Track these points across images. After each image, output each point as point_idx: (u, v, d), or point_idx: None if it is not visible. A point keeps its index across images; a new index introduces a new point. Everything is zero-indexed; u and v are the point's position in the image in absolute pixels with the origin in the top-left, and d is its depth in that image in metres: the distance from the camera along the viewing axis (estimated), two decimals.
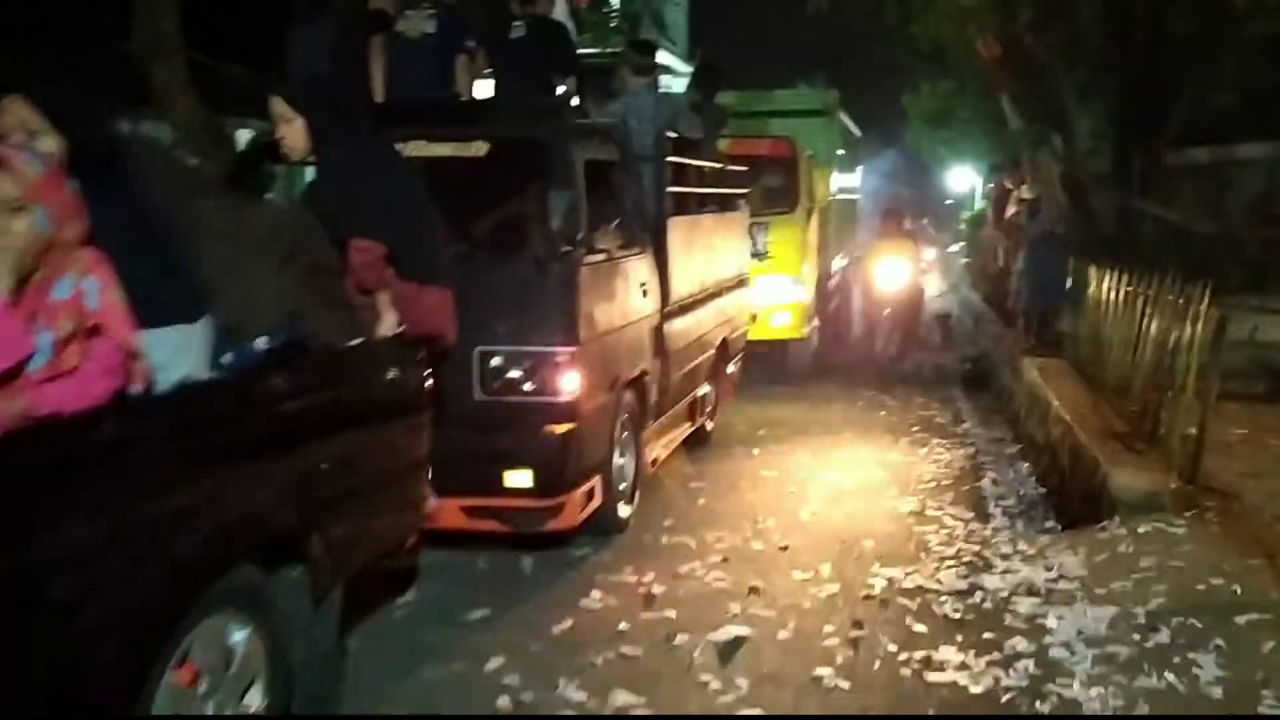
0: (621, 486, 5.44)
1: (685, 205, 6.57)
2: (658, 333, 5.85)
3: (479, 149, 4.96)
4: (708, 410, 7.42)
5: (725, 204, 7.81)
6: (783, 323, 10.22)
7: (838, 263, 12.83)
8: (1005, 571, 4.75)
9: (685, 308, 6.39)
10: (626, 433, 5.46)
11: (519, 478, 4.46)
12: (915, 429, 8.44)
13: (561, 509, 4.60)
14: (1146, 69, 13.04)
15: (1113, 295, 8.02)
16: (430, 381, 3.61)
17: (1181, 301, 6.18)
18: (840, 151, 12.17)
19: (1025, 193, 10.69)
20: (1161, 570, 4.45)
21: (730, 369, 8.08)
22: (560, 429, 4.57)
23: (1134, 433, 6.34)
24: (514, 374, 4.55)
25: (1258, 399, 7.68)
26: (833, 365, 11.46)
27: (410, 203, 3.81)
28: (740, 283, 8.29)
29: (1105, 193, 11.66)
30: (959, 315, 15.79)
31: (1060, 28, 10.73)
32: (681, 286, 6.28)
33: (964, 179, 35.64)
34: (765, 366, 10.89)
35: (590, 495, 4.91)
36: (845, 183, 13.78)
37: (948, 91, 17.30)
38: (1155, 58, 12.99)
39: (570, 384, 4.59)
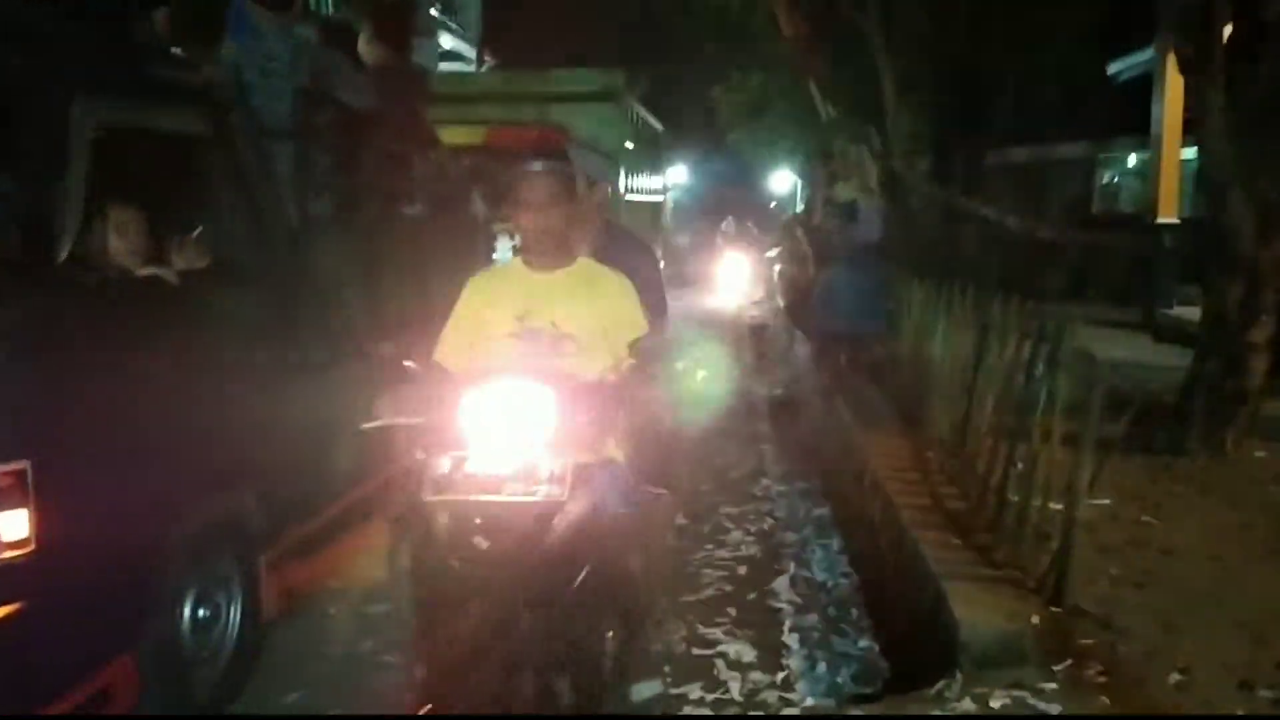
0: (209, 655, 3.40)
1: (356, 206, 4.58)
2: (292, 397, 3.84)
3: None
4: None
5: (445, 205, 5.85)
6: None
7: None
8: None
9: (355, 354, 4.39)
10: (224, 566, 3.42)
11: None
12: (704, 488, 6.67)
13: None
14: (967, 60, 11.85)
15: (941, 317, 6.49)
16: None
17: (1032, 334, 4.61)
18: (629, 144, 10.40)
19: (840, 193, 9.12)
20: None
21: None
22: None
23: (974, 514, 4.71)
24: None
25: (1111, 445, 6.22)
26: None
27: None
28: None
29: (926, 193, 10.31)
30: (774, 329, 14.31)
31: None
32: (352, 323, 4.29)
33: (786, 180, 34.82)
34: None
35: (100, 699, 2.84)
36: (644, 181, 12.05)
37: (760, 82, 15.82)
38: (975, 49, 11.82)
39: (17, 528, 2.52)
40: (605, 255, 3.30)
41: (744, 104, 16.93)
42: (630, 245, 3.87)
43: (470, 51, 18.59)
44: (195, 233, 3.44)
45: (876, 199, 8.32)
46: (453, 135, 8.30)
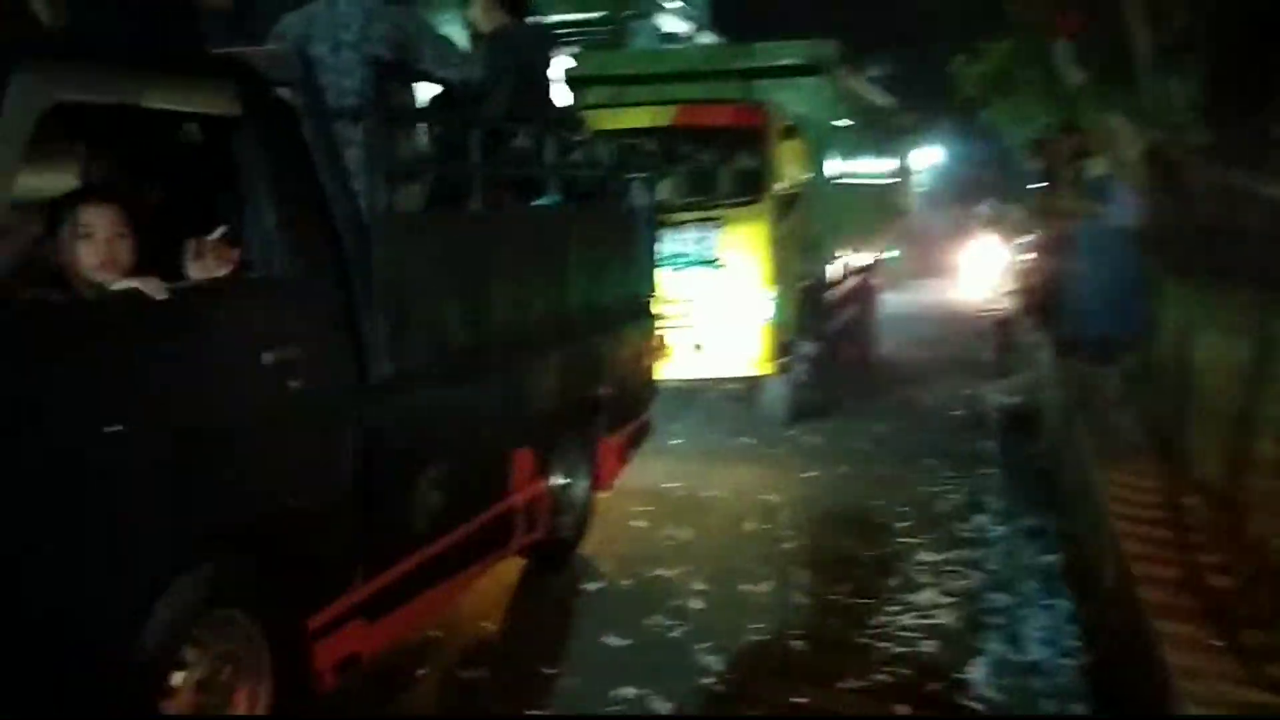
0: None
1: (456, 198, 3.90)
2: (352, 432, 3.20)
3: None
4: (549, 524, 4.70)
5: (589, 195, 5.12)
6: (742, 354, 7.46)
7: (849, 263, 9.97)
8: None
9: (448, 374, 3.71)
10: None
11: None
12: (903, 525, 5.62)
13: None
14: (1253, 10, 9.95)
15: (1211, 321, 5.16)
16: None
17: None
18: (844, 122, 9.32)
19: (1089, 170, 7.74)
20: None
21: (614, 437, 5.38)
22: None
23: (1245, 598, 3.49)
24: None
25: None
26: (836, 403, 8.65)
27: None
28: (633, 310, 5.59)
29: (1199, 170, 8.63)
30: (1017, 326, 12.75)
31: None
32: (429, 338, 3.62)
33: None
34: (731, 413, 8.19)
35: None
36: (866, 164, 10.90)
37: (1007, 50, 14.19)
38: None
39: None
40: None
41: (988, 75, 15.32)
42: None
43: (700, 35, 17.84)
44: (216, 234, 2.84)
45: (1134, 177, 6.91)
46: (637, 117, 7.59)
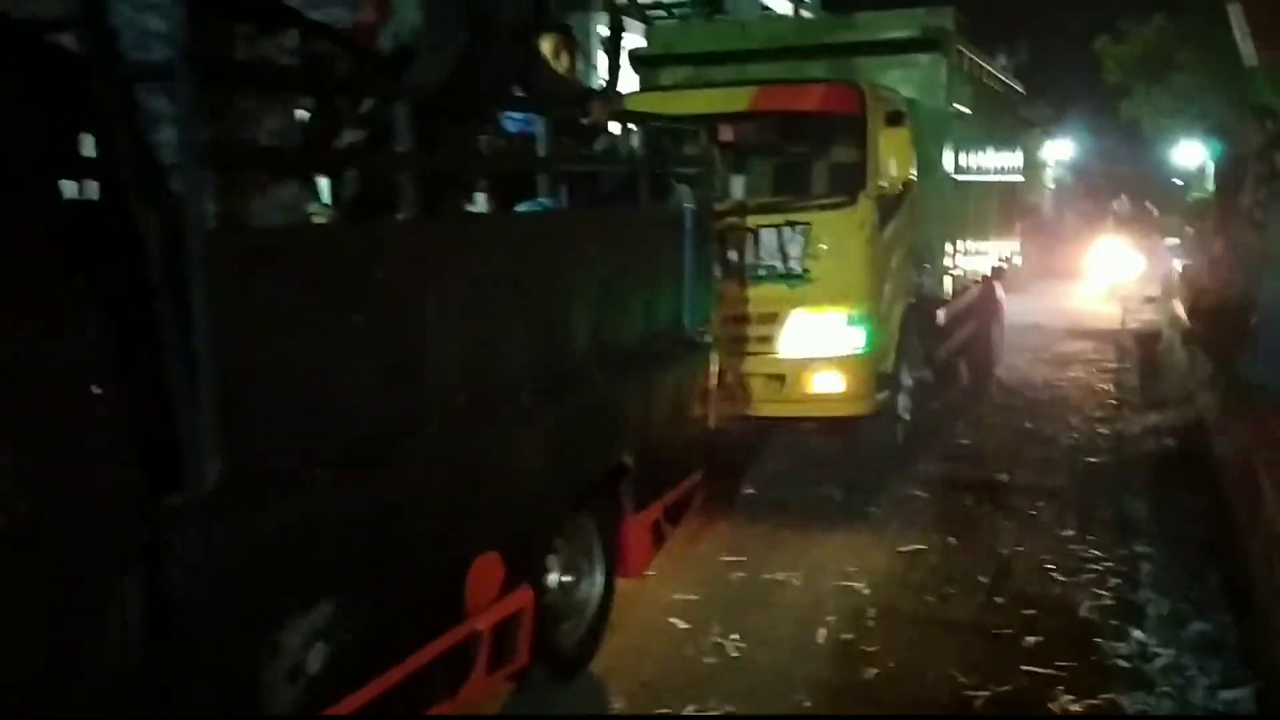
0: None
1: (374, 201, 2.67)
2: (131, 581, 2.00)
3: None
4: (541, 642, 3.45)
5: (612, 195, 3.84)
6: (831, 389, 6.06)
7: (967, 272, 8.44)
8: None
9: (343, 465, 2.48)
10: None
11: None
12: (1034, 640, 4.18)
13: None
14: None
15: None
16: None
17: None
18: (963, 108, 7.81)
19: None
20: None
21: (646, 512, 4.11)
22: None
23: None
24: None
25: None
26: (948, 443, 7.21)
27: None
28: (675, 344, 4.31)
29: None
30: (1169, 339, 10.98)
31: None
32: (305, 415, 2.39)
33: (1194, 153, 29.48)
34: (817, 455, 6.82)
35: None
36: (990, 158, 9.34)
37: (1159, 29, 12.38)
38: None
39: None
40: None
41: (1137, 58, 13.49)
42: None
43: (805, 11, 16.36)
44: None
45: None
46: (706, 102, 6.27)
